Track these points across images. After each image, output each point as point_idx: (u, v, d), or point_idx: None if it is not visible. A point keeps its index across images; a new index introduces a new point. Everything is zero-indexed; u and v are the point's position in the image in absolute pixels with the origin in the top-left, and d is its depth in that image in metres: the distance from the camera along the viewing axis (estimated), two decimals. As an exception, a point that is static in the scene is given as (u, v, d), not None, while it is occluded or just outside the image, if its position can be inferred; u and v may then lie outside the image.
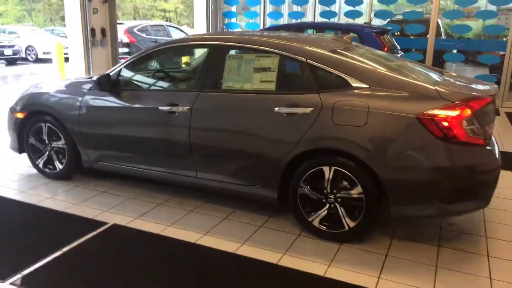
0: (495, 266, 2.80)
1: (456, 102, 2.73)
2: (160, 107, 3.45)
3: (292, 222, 3.30)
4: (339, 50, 3.23)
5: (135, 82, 3.85)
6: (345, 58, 3.08)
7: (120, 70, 3.76)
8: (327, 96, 2.95)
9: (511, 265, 2.82)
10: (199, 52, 3.81)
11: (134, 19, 33.71)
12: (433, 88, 2.82)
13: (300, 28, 7.24)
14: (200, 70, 3.51)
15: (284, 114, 3.03)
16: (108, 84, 3.67)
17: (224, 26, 10.53)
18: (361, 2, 9.28)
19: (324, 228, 3.06)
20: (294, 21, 9.67)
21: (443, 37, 10.84)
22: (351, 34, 3.85)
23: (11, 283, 2.55)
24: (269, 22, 10.19)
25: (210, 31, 9.97)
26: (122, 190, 3.96)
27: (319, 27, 7.50)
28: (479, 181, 2.81)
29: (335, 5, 9.66)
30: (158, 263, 2.78)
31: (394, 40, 7.75)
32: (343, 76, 2.97)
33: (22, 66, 16.30)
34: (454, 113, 2.67)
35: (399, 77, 2.96)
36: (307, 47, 3.17)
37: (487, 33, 9.41)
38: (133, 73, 3.85)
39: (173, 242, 3.06)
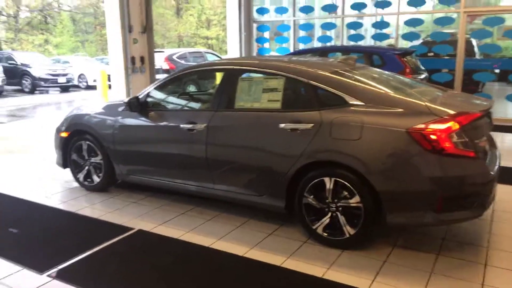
0: (490, 274, 2.92)
1: (445, 117, 2.93)
2: (181, 125, 3.86)
3: (300, 230, 3.55)
4: (341, 71, 3.52)
5: (161, 103, 4.29)
6: (343, 79, 3.37)
7: (149, 92, 4.23)
8: (326, 113, 3.23)
9: (506, 273, 2.93)
10: (217, 76, 4.20)
11: (179, 46, 35.23)
12: (424, 104, 3.04)
13: (325, 51, 7.56)
14: (216, 91, 3.90)
15: (288, 130, 3.33)
16: (137, 106, 4.13)
17: (257, 51, 11.04)
18: (388, 25, 9.50)
19: (326, 235, 3.30)
20: (321, 45, 10.04)
21: (478, 57, 10.77)
22: (352, 56, 4.12)
23: (48, 275, 2.97)
24: (299, 47, 10.59)
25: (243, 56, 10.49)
26: (150, 201, 4.37)
27: (341, 50, 7.78)
28: (470, 192, 2.97)
29: (363, 29, 9.94)
30: (174, 263, 3.13)
31: (418, 61, 7.88)
32: (340, 94, 3.25)
33: (74, 93, 17.57)
34: (442, 127, 2.88)
35: (392, 94, 3.21)
36: (310, 69, 3.49)
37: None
38: (159, 95, 4.30)
39: (189, 245, 3.40)
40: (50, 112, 11.97)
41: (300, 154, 3.28)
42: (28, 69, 17.16)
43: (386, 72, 4.17)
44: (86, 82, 18.90)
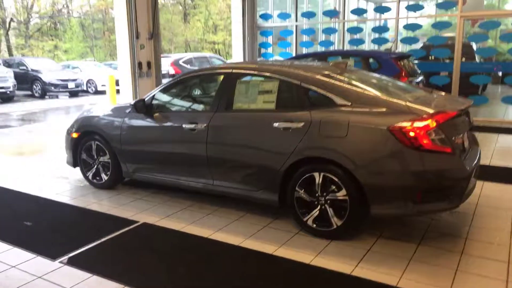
0: (464, 261, 3.16)
1: (423, 115, 3.19)
2: (183, 125, 4.14)
3: (293, 223, 3.81)
4: (331, 74, 3.78)
5: (165, 105, 4.58)
6: (332, 81, 3.63)
7: (154, 95, 4.53)
8: (316, 113, 3.50)
9: (479, 260, 3.17)
10: (217, 79, 4.48)
11: (186, 51, 35.66)
12: (405, 104, 3.30)
13: (324, 55, 7.83)
14: (216, 93, 4.19)
15: (281, 129, 3.60)
16: (143, 107, 4.43)
17: (261, 56, 11.34)
18: (387, 30, 9.75)
19: (316, 226, 3.55)
20: (322, 49, 10.33)
21: (478, 60, 10.96)
22: (342, 60, 4.38)
23: (60, 262, 3.26)
24: (302, 51, 10.87)
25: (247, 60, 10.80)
26: (154, 197, 4.66)
27: (340, 54, 8.04)
28: (447, 185, 3.21)
29: (365, 33, 10.21)
30: (174, 251, 3.40)
31: (415, 64, 8.11)
32: (329, 95, 3.52)
33: (83, 98, 17.98)
34: (420, 124, 3.13)
35: (376, 95, 3.47)
36: (301, 72, 3.76)
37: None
38: (163, 98, 4.59)
39: (189, 236, 3.67)
40: (59, 116, 12.34)
41: (292, 151, 3.54)
42: (38, 74, 17.61)
43: (375, 74, 4.43)
44: (95, 87, 19.31)
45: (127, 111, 4.66)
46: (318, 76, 3.70)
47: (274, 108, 3.75)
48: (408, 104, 3.31)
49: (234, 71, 4.11)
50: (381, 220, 3.81)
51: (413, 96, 3.67)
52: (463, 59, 10.09)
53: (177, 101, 4.66)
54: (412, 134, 3.12)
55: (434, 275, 2.97)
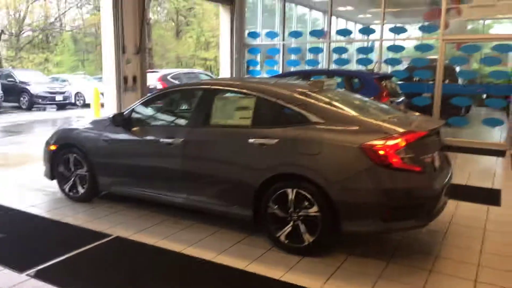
0: (432, 278, 3.18)
1: (394, 135, 3.25)
2: (160, 140, 4.16)
3: (266, 239, 3.81)
4: (307, 93, 3.84)
5: (144, 119, 4.60)
6: (307, 99, 3.69)
7: (133, 109, 4.55)
8: (290, 130, 3.55)
9: (447, 278, 3.20)
10: (197, 94, 4.51)
11: (177, 67, 35.82)
12: (376, 123, 3.36)
13: (308, 74, 7.94)
14: (194, 109, 4.22)
15: (256, 145, 3.64)
16: (121, 121, 4.44)
17: (248, 73, 11.45)
18: (372, 51, 9.93)
19: (288, 242, 3.56)
20: (309, 67, 10.49)
21: (461, 82, 11.16)
22: (324, 79, 4.46)
23: (27, 274, 3.21)
24: (289, 69, 11.02)
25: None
26: (130, 210, 4.63)
27: (324, 73, 8.17)
28: (415, 203, 3.26)
29: (348, 54, 10.40)
30: (145, 266, 3.38)
31: (397, 85, 8.27)
32: (303, 113, 3.57)
33: (71, 111, 17.89)
34: (390, 143, 3.19)
35: (350, 114, 3.53)
36: (278, 90, 3.82)
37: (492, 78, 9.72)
38: (143, 112, 4.61)
39: (161, 251, 3.66)
40: (45, 129, 12.26)
41: (266, 167, 3.57)
42: (26, 86, 17.52)
43: (352, 94, 4.52)
44: (84, 100, 19.24)
45: (106, 124, 4.67)
46: (294, 94, 3.76)
47: (250, 124, 3.79)
48: (380, 123, 3.37)
49: (212, 87, 4.16)
50: (354, 238, 3.83)
51: (386, 115, 3.74)
52: (447, 81, 10.31)
53: (155, 115, 4.69)
54: (382, 152, 3.17)
55: (401, 293, 2.99)
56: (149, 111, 4.67)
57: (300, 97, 3.73)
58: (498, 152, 8.08)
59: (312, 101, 3.69)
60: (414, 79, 10.35)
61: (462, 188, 5.67)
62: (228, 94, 4.10)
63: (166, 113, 4.80)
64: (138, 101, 4.64)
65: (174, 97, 4.83)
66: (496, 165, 7.23)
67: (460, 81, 11.07)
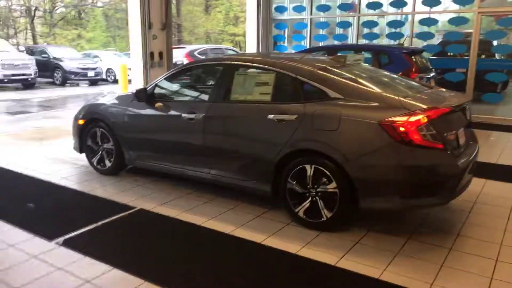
0: (451, 257, 3.14)
1: (416, 111, 3.17)
2: (182, 115, 4.21)
3: (285, 214, 3.85)
4: (328, 68, 3.78)
5: (166, 95, 4.66)
6: (327, 74, 3.63)
7: (156, 84, 4.61)
8: (309, 106, 3.52)
9: (467, 256, 3.16)
10: (218, 70, 4.51)
11: (206, 43, 35.76)
12: (397, 99, 3.29)
13: (335, 49, 7.77)
14: (215, 84, 4.24)
15: (276, 121, 3.63)
16: (144, 96, 4.52)
17: (274, 48, 11.32)
18: (403, 24, 9.59)
19: (306, 217, 3.58)
20: (336, 42, 10.26)
21: (498, 57, 10.66)
22: (345, 54, 4.37)
23: (56, 243, 3.38)
24: (316, 44, 10.82)
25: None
26: (155, 184, 4.76)
27: (351, 49, 7.98)
28: (436, 181, 3.20)
29: (378, 28, 10.08)
30: (167, 238, 3.49)
31: (428, 60, 7.99)
32: (323, 89, 3.53)
33: (103, 86, 18.30)
34: (411, 120, 3.12)
35: (370, 89, 3.46)
36: (298, 65, 3.77)
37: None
38: (166, 87, 4.67)
39: (182, 223, 3.76)
40: (77, 104, 12.61)
41: (285, 142, 3.57)
42: (60, 62, 17.98)
43: (377, 70, 4.41)
44: (114, 75, 19.58)
45: (131, 99, 4.76)
46: (314, 69, 3.71)
47: (269, 100, 3.78)
48: (402, 99, 3.29)
49: (232, 62, 4.15)
50: (375, 215, 3.81)
51: (410, 92, 3.64)
52: (483, 56, 9.88)
53: (177, 91, 4.73)
54: (402, 129, 3.11)
55: (418, 269, 2.97)
56: (171, 86, 4.72)
57: (320, 72, 3.68)
58: (533, 130, 7.76)
59: (332, 76, 3.64)
60: (448, 54, 9.97)
61: (492, 166, 5.50)
62: (248, 70, 4.08)
63: (188, 89, 4.84)
64: (161, 76, 4.69)
65: (196, 72, 4.86)
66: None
67: (497, 56, 10.59)
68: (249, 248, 3.31)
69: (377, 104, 3.30)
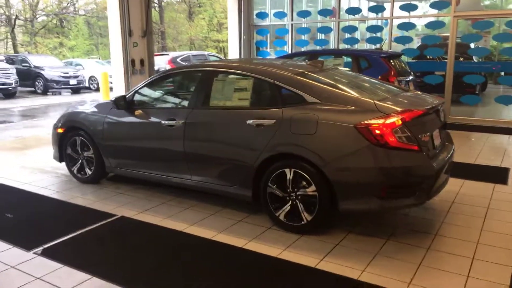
0: (429, 256, 3.20)
1: (391, 114, 3.23)
2: (162, 122, 4.21)
3: (266, 218, 3.87)
4: (305, 73, 3.83)
5: (146, 102, 4.64)
6: (304, 79, 3.68)
7: (135, 91, 4.60)
8: (287, 110, 3.55)
9: (444, 256, 3.21)
10: (197, 76, 4.52)
11: (190, 49, 35.72)
12: (373, 102, 3.34)
13: (315, 54, 7.86)
14: (194, 90, 4.25)
15: (254, 126, 3.66)
16: (123, 104, 4.50)
17: (256, 54, 11.38)
18: (382, 29, 9.74)
19: (287, 221, 3.61)
20: (317, 47, 10.37)
21: (475, 60, 10.88)
22: (321, 59, 4.43)
23: (34, 253, 3.34)
24: (298, 49, 10.91)
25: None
26: (135, 192, 4.74)
27: (331, 53, 8.07)
28: (412, 182, 3.26)
29: (358, 32, 10.21)
30: (147, 244, 3.48)
31: (406, 64, 8.14)
32: (300, 93, 3.57)
33: (85, 95, 18.14)
34: (385, 122, 3.18)
35: (347, 93, 3.52)
36: (275, 71, 3.81)
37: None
38: (145, 94, 4.66)
39: (164, 229, 3.75)
40: (59, 112, 12.47)
41: (264, 147, 3.60)
42: (41, 71, 17.78)
43: (354, 74, 4.47)
44: (97, 83, 19.43)
45: (110, 107, 4.74)
46: (291, 75, 3.75)
47: (248, 105, 3.81)
48: (377, 102, 3.35)
49: (211, 69, 4.18)
50: (355, 216, 3.86)
51: (385, 94, 3.71)
52: (461, 59, 10.07)
53: (157, 97, 4.73)
54: (378, 132, 3.17)
55: (396, 269, 3.02)
56: (151, 93, 4.72)
57: (297, 77, 3.72)
58: (510, 130, 7.94)
59: (309, 81, 3.68)
60: (427, 57, 10.15)
61: (470, 166, 5.61)
62: (226, 76, 4.11)
63: (168, 95, 4.84)
64: (141, 83, 4.69)
65: (175, 79, 4.86)
66: (507, 144, 7.12)
67: (474, 58, 10.80)
68: (231, 252, 3.32)
69: (353, 107, 3.36)
